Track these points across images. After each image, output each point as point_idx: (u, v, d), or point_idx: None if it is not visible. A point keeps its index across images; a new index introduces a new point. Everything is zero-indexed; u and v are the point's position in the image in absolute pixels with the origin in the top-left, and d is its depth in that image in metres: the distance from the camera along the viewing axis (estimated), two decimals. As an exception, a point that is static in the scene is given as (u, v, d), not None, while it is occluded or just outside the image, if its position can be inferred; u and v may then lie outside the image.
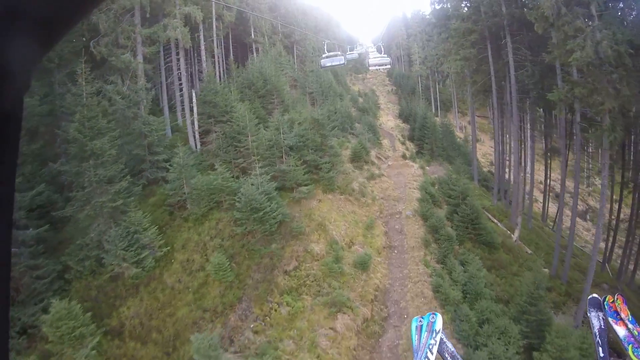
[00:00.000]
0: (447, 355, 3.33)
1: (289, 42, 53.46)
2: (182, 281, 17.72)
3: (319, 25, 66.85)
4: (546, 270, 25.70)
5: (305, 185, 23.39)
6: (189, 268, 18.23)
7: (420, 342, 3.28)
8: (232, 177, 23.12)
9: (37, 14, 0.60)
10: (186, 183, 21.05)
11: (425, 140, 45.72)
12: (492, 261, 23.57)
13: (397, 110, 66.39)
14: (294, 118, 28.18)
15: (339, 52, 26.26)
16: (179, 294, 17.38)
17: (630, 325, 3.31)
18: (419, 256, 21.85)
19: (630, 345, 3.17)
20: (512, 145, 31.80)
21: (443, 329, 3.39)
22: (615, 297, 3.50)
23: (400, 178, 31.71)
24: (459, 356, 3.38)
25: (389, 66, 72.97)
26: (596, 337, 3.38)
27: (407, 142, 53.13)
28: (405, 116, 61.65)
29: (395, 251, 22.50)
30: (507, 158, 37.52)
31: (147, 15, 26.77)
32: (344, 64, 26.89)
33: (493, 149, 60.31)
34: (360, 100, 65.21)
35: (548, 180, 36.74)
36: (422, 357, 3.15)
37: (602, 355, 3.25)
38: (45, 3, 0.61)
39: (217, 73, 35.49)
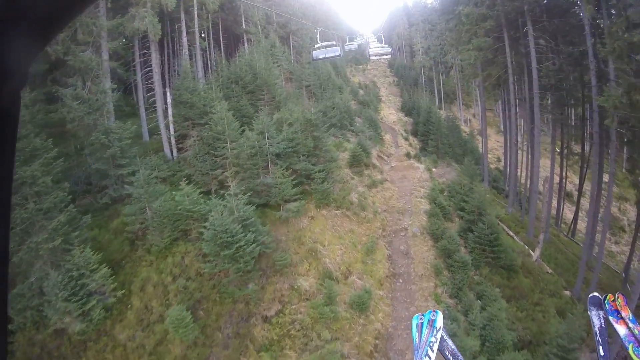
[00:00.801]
0: (447, 353, 3.19)
1: (285, 33, 48.68)
2: (137, 337, 13.64)
3: (317, 15, 61.76)
4: (567, 293, 21.68)
5: (295, 200, 19.26)
6: (146, 319, 14.10)
7: (420, 339, 3.13)
8: (205, 194, 19.05)
9: (34, 12, 0.60)
10: (149, 206, 16.91)
11: (430, 136, 41.42)
12: (512, 289, 19.45)
13: (399, 102, 61.82)
14: (284, 118, 23.84)
15: (335, 42, 21.78)
16: (132, 353, 13.35)
17: (630, 324, 3.18)
18: (428, 288, 17.74)
19: (631, 344, 3.05)
20: (533, 150, 26.95)
21: (444, 327, 3.20)
22: (616, 295, 3.35)
23: (405, 183, 27.45)
24: (459, 354, 3.23)
25: (389, 56, 68.28)
26: (597, 336, 3.26)
27: (411, 138, 48.86)
28: (407, 109, 57.23)
29: (400, 280, 18.38)
30: (522, 160, 33.21)
31: (108, 5, 22.19)
32: (340, 55, 22.41)
33: (500, 144, 55.92)
34: (361, 92, 60.64)
35: (564, 182, 32.37)
36: (423, 355, 3.00)
37: (602, 354, 3.13)
38: (42, 1, 0.61)
39: (202, 68, 31.06)
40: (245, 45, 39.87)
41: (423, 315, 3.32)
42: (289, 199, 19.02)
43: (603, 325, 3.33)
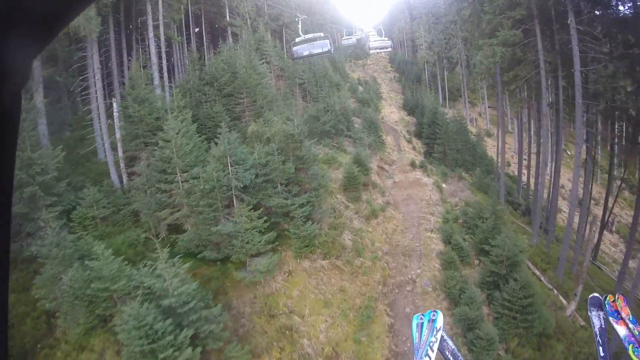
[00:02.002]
0: (447, 353, 3.11)
1: (277, 26, 42.49)
2: None
3: (313, 8, 55.31)
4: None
5: (265, 253, 13.74)
6: None
7: (421, 339, 3.04)
8: (147, 243, 13.60)
9: (34, 12, 0.58)
10: (65, 274, 11.41)
11: (437, 140, 35.66)
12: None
13: (400, 100, 55.77)
14: (260, 132, 18.14)
15: (322, 34, 15.76)
16: None
17: (630, 325, 3.09)
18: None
19: (631, 345, 2.97)
20: (572, 174, 20.78)
21: (443, 327, 3.07)
22: (616, 296, 3.23)
23: (411, 207, 21.77)
24: (459, 354, 3.14)
25: (389, 49, 62.03)
26: (597, 337, 3.17)
27: (414, 140, 43.16)
28: (410, 107, 51.31)
29: (406, 364, 12.96)
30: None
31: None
32: (330, 51, 16.45)
33: (509, 146, 49.78)
34: (360, 89, 54.54)
35: (607, 214, 26.10)
36: (423, 355, 2.90)
37: (602, 354, 3.07)
38: (43, 2, 0.59)
39: (169, 69, 25.23)
40: (230, 39, 33.88)
41: (423, 315, 3.14)
42: (257, 252, 13.49)
43: (603, 326, 3.18)
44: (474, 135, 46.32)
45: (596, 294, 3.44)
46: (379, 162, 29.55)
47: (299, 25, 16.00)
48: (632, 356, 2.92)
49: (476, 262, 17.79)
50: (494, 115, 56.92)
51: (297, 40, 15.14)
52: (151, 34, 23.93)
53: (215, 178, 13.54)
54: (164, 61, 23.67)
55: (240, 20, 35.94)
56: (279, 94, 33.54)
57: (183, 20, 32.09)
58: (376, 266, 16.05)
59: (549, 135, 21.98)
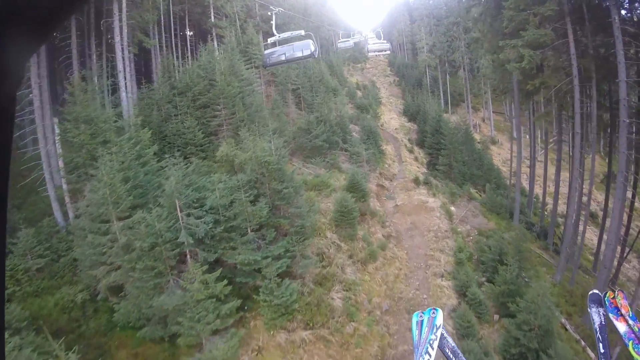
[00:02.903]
0: (447, 351, 3.00)
1: (269, 28, 38.63)
2: None
3: (310, 9, 51.36)
4: None
5: (225, 329, 10.02)
6: None
7: (420, 337, 2.92)
8: (85, 304, 9.96)
9: (30, 11, 0.56)
10: None
11: (442, 151, 32.01)
12: None
13: (401, 105, 51.92)
14: (229, 156, 14.35)
15: (303, 32, 11.38)
16: None
17: (630, 322, 3.01)
18: None
19: (631, 342, 2.90)
20: (615, 208, 16.04)
21: (443, 325, 2.96)
22: (616, 293, 3.15)
23: (417, 239, 17.99)
24: (459, 351, 3.00)
25: (388, 52, 57.98)
26: (597, 333, 3.11)
27: (416, 149, 39.40)
28: (411, 113, 47.49)
29: None
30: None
31: None
32: (312, 55, 11.66)
33: (514, 153, 45.96)
34: (359, 94, 50.78)
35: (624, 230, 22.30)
36: (423, 353, 2.79)
37: (602, 351, 3.00)
38: (37, 1, 0.58)
39: (133, 79, 21.41)
40: (215, 42, 30.08)
41: (423, 313, 3.07)
42: (214, 329, 9.76)
43: (603, 323, 3.12)
44: (478, 142, 42.49)
45: (596, 291, 3.27)
46: (378, 180, 25.77)
47: (273, 21, 11.58)
48: (632, 352, 2.79)
49: (495, 316, 14.05)
50: (498, 121, 52.99)
51: (269, 41, 10.99)
52: (118, 38, 20.22)
53: (158, 231, 9.80)
54: (127, 68, 19.85)
55: (226, 21, 32.14)
56: (269, 102, 29.84)
57: (163, 21, 28.39)
58: (373, 333, 12.25)
59: (582, 158, 17.99)
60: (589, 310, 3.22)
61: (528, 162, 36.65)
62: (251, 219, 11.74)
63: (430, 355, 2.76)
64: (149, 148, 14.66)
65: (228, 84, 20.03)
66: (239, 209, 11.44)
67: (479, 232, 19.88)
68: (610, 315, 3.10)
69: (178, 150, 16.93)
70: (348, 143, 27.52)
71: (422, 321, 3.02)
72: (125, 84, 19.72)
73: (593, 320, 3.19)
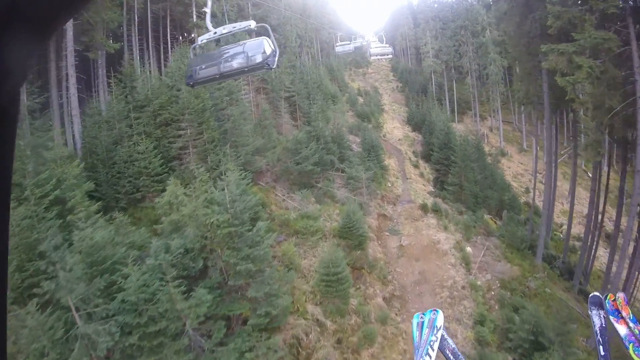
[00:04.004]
0: (448, 352, 2.81)
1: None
2: None
3: (308, 10, 46.86)
4: None
5: None
6: None
7: (421, 338, 2.74)
8: None
9: (33, 10, 0.56)
10: None
11: (450, 168, 27.73)
12: None
13: (404, 112, 47.56)
14: (172, 204, 9.99)
15: (253, 24, 5.51)
16: None
17: (631, 324, 2.82)
18: None
19: (631, 344, 2.71)
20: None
21: (444, 326, 2.79)
22: (617, 295, 2.98)
23: (426, 300, 13.64)
24: (459, 353, 2.83)
25: (390, 56, 52.92)
26: (597, 336, 2.92)
27: (421, 163, 35.09)
28: (415, 122, 43.20)
29: None
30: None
31: None
32: (266, 64, 5.23)
33: (525, 168, 41.30)
34: (360, 100, 46.43)
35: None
36: (423, 354, 2.63)
37: (602, 353, 2.80)
38: (40, 0, 0.57)
39: (74, 91, 16.89)
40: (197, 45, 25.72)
41: (423, 314, 2.88)
42: None
43: (604, 325, 2.96)
44: (488, 154, 37.79)
45: (596, 293, 3.08)
46: (379, 207, 21.34)
47: (208, 11, 6.21)
48: (633, 355, 2.63)
49: None
50: (507, 131, 48.26)
51: (199, 41, 5.71)
52: (70, 42, 15.93)
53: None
54: (72, 79, 15.42)
55: (214, 22, 27.71)
56: (257, 113, 25.46)
57: (136, 22, 24.05)
58: None
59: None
60: (589, 312, 3.00)
61: (539, 177, 32.47)
62: (188, 314, 7.37)
63: (430, 357, 2.60)
64: (85, 183, 10.42)
65: (196, 96, 15.66)
66: (167, 305, 7.05)
67: (501, 284, 15.46)
68: (611, 317, 2.89)
69: (125, 186, 12.62)
70: (346, 161, 23.12)
71: (422, 322, 2.80)
72: (68, 97, 15.39)
73: (593, 322, 2.98)
